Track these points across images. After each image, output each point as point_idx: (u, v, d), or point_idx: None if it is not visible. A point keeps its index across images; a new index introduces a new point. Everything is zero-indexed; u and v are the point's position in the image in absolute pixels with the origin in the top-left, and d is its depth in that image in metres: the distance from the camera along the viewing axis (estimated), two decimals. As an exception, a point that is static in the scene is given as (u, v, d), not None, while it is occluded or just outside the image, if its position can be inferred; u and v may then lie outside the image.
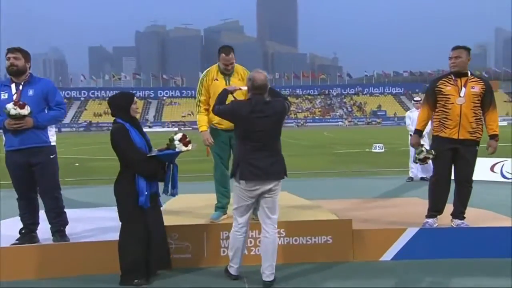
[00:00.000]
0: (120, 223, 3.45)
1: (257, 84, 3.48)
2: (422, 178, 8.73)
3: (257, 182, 3.39)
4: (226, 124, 4.03)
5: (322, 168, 11.14)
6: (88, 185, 9.19)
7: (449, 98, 4.32)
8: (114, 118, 3.42)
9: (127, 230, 3.36)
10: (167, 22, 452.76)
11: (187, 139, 3.44)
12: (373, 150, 17.51)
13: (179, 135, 3.42)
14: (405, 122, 9.18)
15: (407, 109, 78.46)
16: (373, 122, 70.45)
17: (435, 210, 4.43)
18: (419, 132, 4.55)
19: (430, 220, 4.39)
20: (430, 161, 8.59)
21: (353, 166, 11.79)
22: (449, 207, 4.47)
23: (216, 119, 4.16)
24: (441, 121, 4.37)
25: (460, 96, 4.30)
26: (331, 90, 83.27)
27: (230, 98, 3.77)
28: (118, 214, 3.42)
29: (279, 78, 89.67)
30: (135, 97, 3.50)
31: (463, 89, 4.32)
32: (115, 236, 4.06)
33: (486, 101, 4.33)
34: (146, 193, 3.35)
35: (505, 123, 52.86)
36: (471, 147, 4.32)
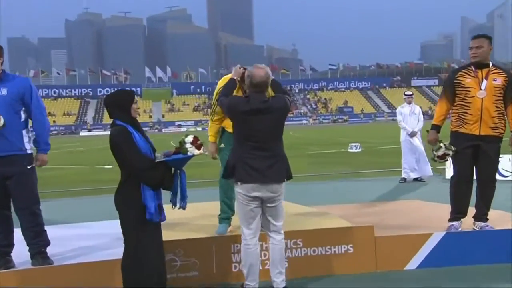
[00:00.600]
0: (123, 241, 3.31)
1: (255, 82, 3.54)
2: (415, 179, 9.05)
3: (254, 184, 3.45)
4: None
5: (302, 171, 11.27)
6: (45, 199, 8.74)
7: (469, 91, 4.39)
8: (112, 119, 3.32)
9: (136, 249, 3.23)
10: (102, 10, 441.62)
11: (199, 141, 3.38)
12: (349, 150, 17.95)
13: (190, 137, 3.35)
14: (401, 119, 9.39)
15: (374, 105, 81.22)
16: (340, 120, 72.23)
17: (458, 212, 4.53)
18: (436, 128, 4.60)
19: (455, 223, 4.48)
20: (423, 162, 8.98)
21: (333, 168, 12.04)
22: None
23: (229, 123, 4.13)
24: (461, 115, 4.46)
25: (481, 89, 4.37)
26: (293, 85, 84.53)
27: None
28: (122, 231, 3.29)
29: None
30: (135, 96, 3.42)
31: (484, 81, 4.39)
32: (105, 255, 3.90)
33: (508, 94, 4.37)
34: (154, 204, 3.25)
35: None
36: (494, 144, 4.39)
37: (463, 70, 4.54)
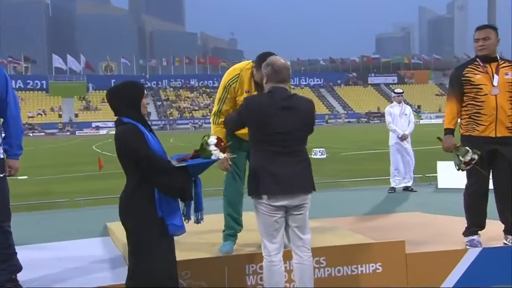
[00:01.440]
0: (134, 260, 3.22)
1: (278, 68, 3.55)
2: (406, 189, 9.41)
3: (281, 196, 3.47)
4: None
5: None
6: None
7: (480, 88, 4.53)
8: (117, 117, 3.30)
9: (151, 269, 3.15)
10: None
11: (223, 143, 3.40)
12: (313, 156, 18.35)
13: (213, 138, 3.36)
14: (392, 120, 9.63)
15: (328, 105, 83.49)
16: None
17: (476, 225, 4.68)
18: (451, 132, 4.72)
19: (475, 237, 4.64)
20: (402, 167, 9.37)
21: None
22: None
23: None
24: (473, 117, 4.58)
25: (493, 86, 4.50)
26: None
27: None
28: (132, 248, 3.21)
29: (167, 65, 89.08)
30: (144, 90, 3.40)
31: (496, 76, 4.52)
32: (88, 281, 3.80)
33: None
34: (180, 214, 3.27)
35: (440, 121, 59.24)
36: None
37: (470, 66, 4.66)
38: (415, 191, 9.30)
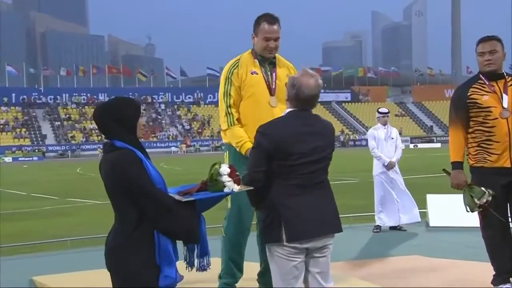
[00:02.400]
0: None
1: (305, 95, 3.64)
2: (392, 228, 9.65)
3: (308, 239, 3.49)
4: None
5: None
6: None
7: (489, 111, 4.67)
8: (107, 140, 3.30)
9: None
10: None
11: (237, 174, 3.39)
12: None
13: (225, 167, 3.34)
14: (367, 144, 10.02)
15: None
16: (223, 147, 73.51)
17: (506, 271, 4.83)
18: (460, 165, 4.83)
19: (508, 286, 4.79)
20: (407, 202, 9.62)
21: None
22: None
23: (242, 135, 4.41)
24: (483, 145, 4.73)
25: (503, 107, 4.65)
26: (155, 97, 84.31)
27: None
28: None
29: (67, 75, 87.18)
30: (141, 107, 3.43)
31: (505, 96, 4.69)
32: None
33: None
34: (175, 264, 3.24)
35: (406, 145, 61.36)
36: None
37: (474, 85, 4.81)
38: (404, 230, 9.56)
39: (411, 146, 68.73)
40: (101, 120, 3.29)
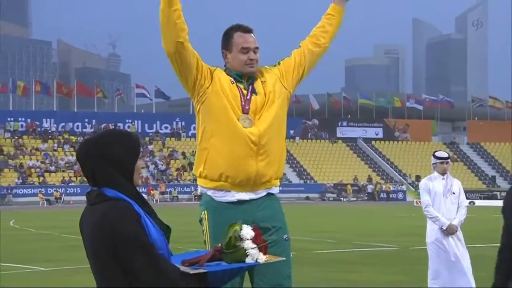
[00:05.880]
0: None
1: None
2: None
3: None
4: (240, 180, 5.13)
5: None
6: None
7: None
8: (94, 188, 3.46)
9: None
10: None
11: (263, 239, 3.54)
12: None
13: (248, 229, 3.47)
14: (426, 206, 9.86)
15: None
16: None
17: None
18: None
19: None
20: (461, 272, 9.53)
21: None
22: None
23: (216, 172, 5.11)
24: None
25: None
26: (121, 124, 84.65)
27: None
28: None
29: (1, 93, 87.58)
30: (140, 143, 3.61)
31: None
32: None
33: None
34: None
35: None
36: None
37: None
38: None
39: (467, 203, 68.59)
40: (88, 159, 3.42)
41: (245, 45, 5.11)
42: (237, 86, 5.20)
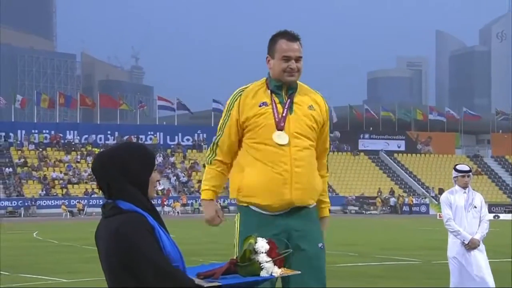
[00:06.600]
0: None
1: None
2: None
3: None
4: (276, 197, 4.97)
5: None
6: None
7: None
8: (110, 200, 3.48)
9: None
10: None
11: (280, 252, 3.53)
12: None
13: (263, 243, 3.47)
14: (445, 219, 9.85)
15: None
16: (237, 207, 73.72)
17: None
18: None
19: None
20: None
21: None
22: None
23: (251, 186, 4.98)
24: None
25: None
26: (143, 136, 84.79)
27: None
28: None
29: (24, 107, 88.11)
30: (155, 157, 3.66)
31: None
32: None
33: None
34: None
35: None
36: None
37: None
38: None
39: (491, 216, 68.16)
40: (103, 172, 3.45)
41: (287, 54, 5.02)
42: (271, 96, 5.08)
